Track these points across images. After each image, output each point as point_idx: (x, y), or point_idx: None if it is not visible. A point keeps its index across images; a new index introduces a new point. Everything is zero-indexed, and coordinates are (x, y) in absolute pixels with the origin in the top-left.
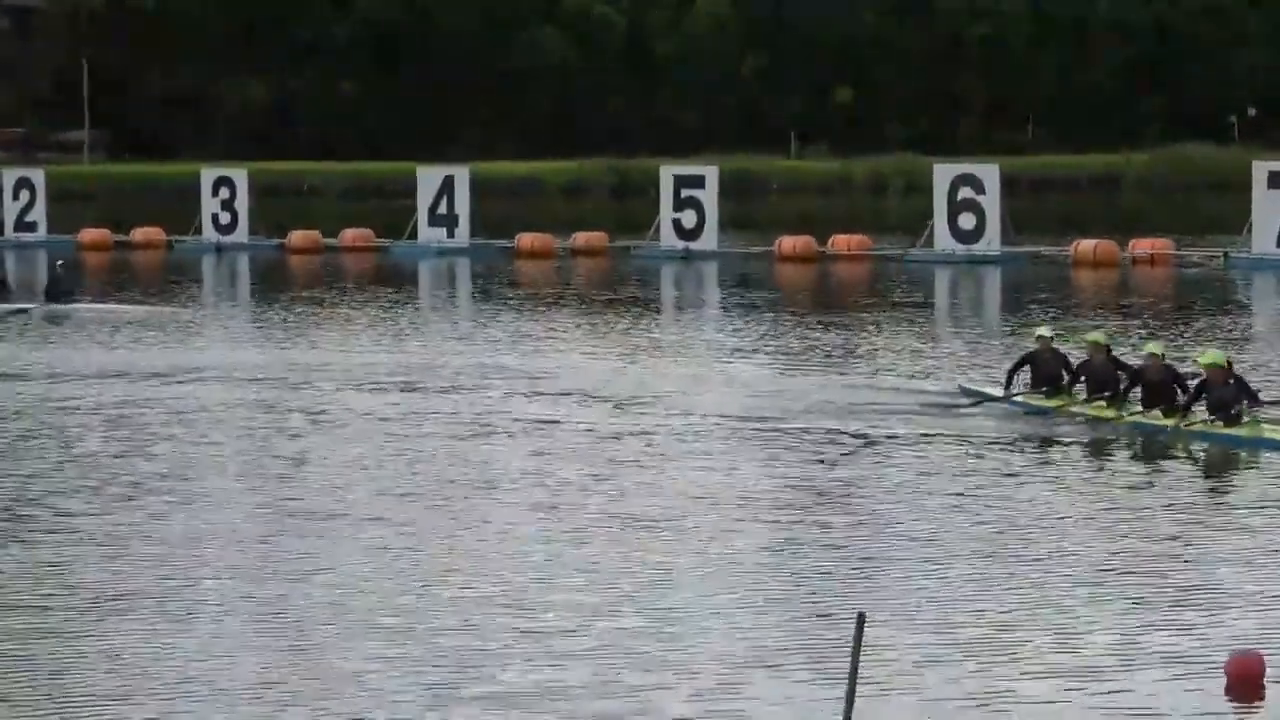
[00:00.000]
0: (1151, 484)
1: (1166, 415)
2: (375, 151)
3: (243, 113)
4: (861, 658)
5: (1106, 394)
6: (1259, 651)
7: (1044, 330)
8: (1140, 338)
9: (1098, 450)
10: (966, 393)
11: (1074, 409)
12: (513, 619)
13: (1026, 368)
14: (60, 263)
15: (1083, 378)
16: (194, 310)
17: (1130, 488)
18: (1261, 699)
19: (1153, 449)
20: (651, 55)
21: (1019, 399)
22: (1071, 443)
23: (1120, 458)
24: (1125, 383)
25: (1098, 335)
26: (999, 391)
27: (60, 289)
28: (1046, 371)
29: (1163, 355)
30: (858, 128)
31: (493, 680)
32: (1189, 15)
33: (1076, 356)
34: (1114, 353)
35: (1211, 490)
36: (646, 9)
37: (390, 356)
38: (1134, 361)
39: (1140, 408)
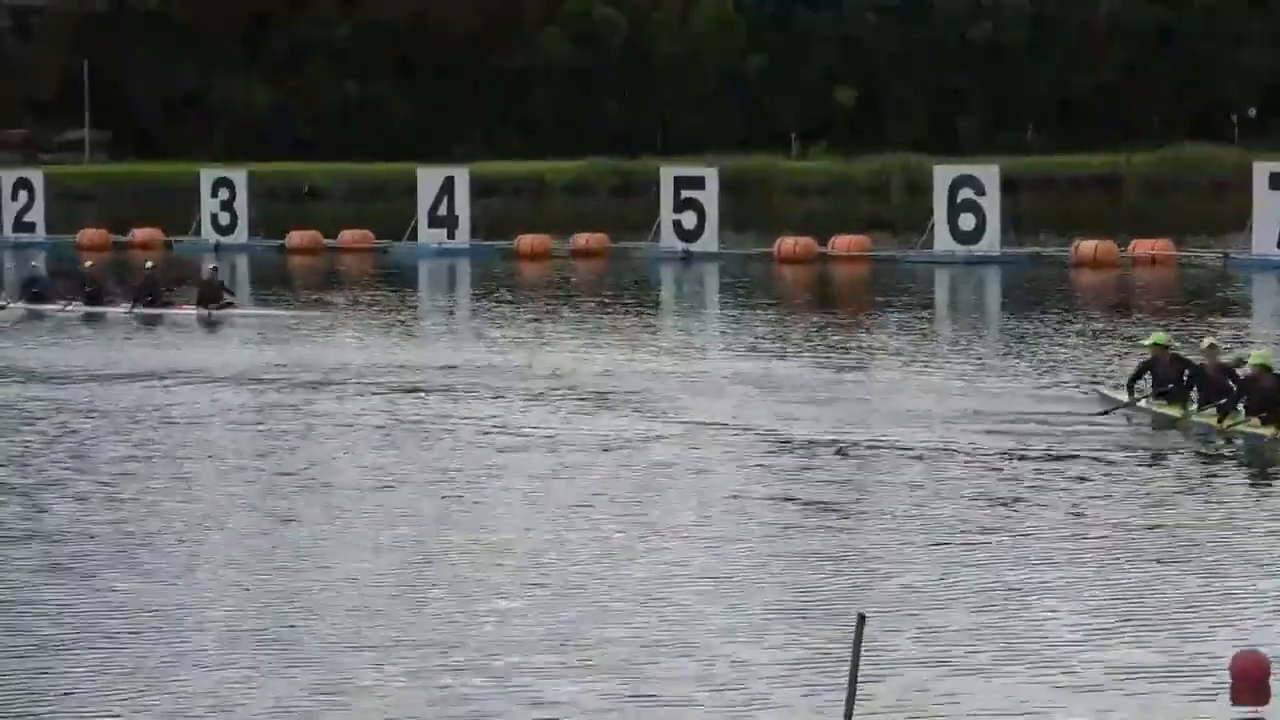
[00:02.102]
0: (1198, 492)
1: (1265, 424)
2: (377, 152)
3: (244, 113)
4: (862, 659)
5: (1221, 401)
6: (1263, 651)
7: (1160, 335)
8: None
9: (1165, 457)
10: (1104, 398)
11: (1193, 419)
12: (523, 629)
13: (1147, 374)
14: (213, 266)
15: (1196, 385)
16: (336, 314)
17: (1175, 494)
18: (1267, 698)
19: (1256, 458)
20: (654, 56)
21: (1141, 405)
22: (1147, 450)
23: (1196, 465)
24: (1235, 391)
25: (1211, 340)
26: (1127, 399)
27: (212, 294)
28: (1166, 377)
29: (1270, 366)
30: (860, 128)
31: (504, 692)
32: (1190, 15)
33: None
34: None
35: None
36: (649, 10)
37: (413, 358)
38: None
39: (1243, 414)
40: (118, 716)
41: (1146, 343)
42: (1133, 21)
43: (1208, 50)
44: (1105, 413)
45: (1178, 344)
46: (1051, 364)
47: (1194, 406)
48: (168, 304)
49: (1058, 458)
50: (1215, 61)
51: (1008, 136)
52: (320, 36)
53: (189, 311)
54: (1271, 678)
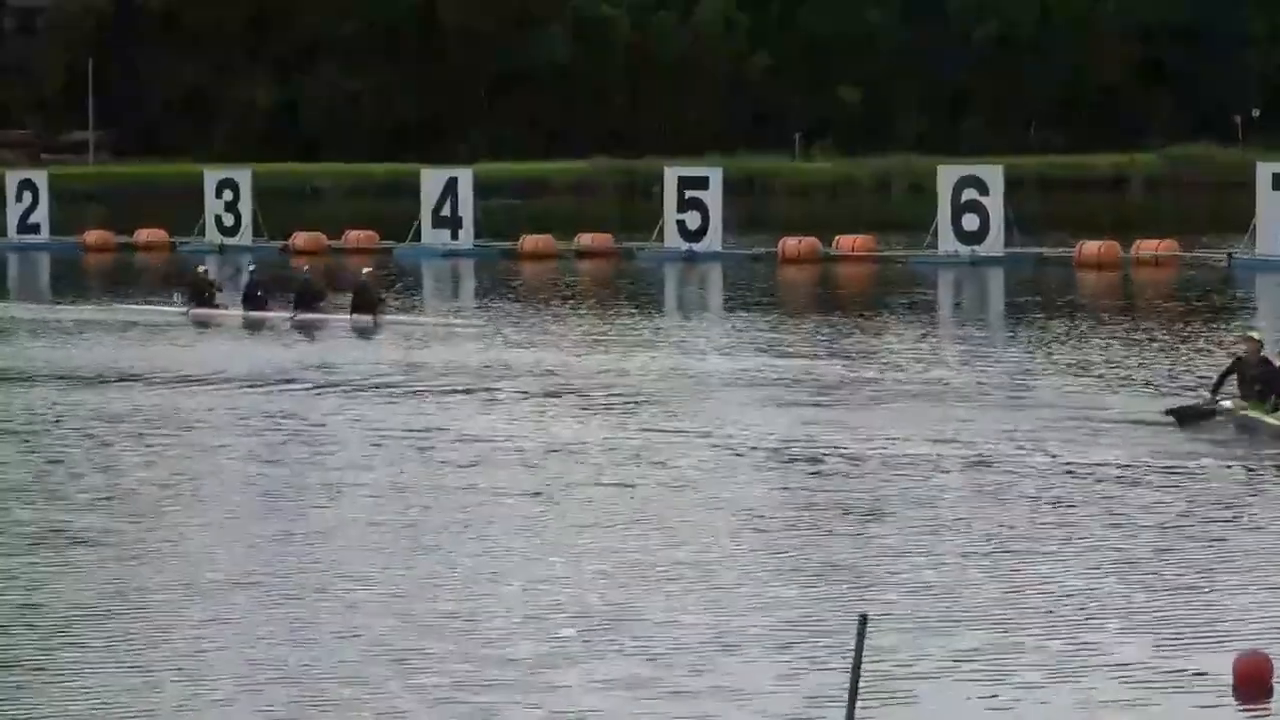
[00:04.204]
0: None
1: None
2: (382, 151)
3: (250, 112)
4: (864, 660)
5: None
6: (1265, 652)
7: (1254, 333)
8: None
9: (1237, 460)
10: (1206, 401)
11: (1251, 414)
12: (543, 637)
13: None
14: (367, 270)
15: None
16: (493, 323)
17: (1230, 497)
18: (1269, 699)
19: None
20: (657, 55)
21: (1226, 405)
22: (1220, 454)
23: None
24: None
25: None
26: (1225, 402)
27: (369, 301)
28: (1253, 379)
29: None
30: (864, 127)
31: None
32: (1196, 15)
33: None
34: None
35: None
36: (654, 9)
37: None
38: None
39: None
40: None
41: (1256, 337)
42: (1140, 21)
43: (1215, 50)
44: (1179, 412)
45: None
46: (1082, 366)
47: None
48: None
49: (1109, 463)
50: (1223, 61)
51: (1012, 136)
52: (324, 36)
53: (344, 318)
54: (1275, 678)
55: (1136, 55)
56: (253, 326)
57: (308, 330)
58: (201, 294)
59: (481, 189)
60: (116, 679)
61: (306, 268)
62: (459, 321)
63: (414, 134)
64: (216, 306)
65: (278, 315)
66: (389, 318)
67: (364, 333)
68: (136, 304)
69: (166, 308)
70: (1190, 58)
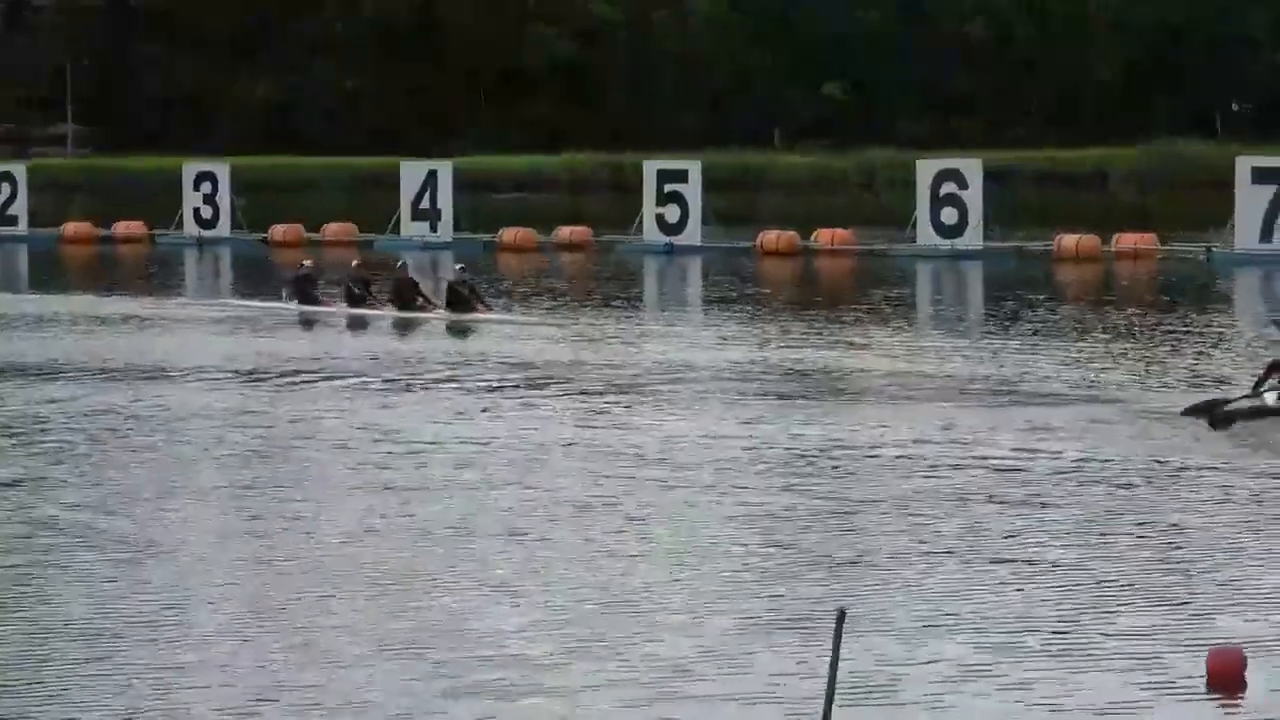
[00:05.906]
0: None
1: None
2: (381, 150)
3: (249, 111)
4: (841, 656)
5: None
6: (1239, 646)
7: None
8: None
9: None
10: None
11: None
12: (536, 642)
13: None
14: (460, 265)
15: None
16: (586, 323)
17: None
18: (1242, 693)
19: None
20: (652, 54)
21: (1271, 397)
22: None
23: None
24: None
25: None
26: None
27: (460, 299)
28: None
29: None
30: (859, 125)
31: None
32: (1195, 15)
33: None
34: None
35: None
36: (648, 8)
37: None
38: None
39: None
40: None
41: None
42: (1133, 19)
43: (1209, 51)
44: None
45: None
46: (1063, 360)
47: None
48: (422, 307)
49: (1107, 460)
50: (1216, 62)
51: (1008, 134)
52: (324, 35)
53: (438, 316)
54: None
55: (1133, 54)
56: (355, 324)
57: (405, 328)
58: (306, 290)
59: (479, 185)
60: (113, 680)
61: (401, 264)
62: (541, 320)
63: (414, 133)
64: (321, 303)
65: (378, 313)
66: (481, 316)
67: (462, 332)
68: (251, 301)
69: (275, 304)
70: (1188, 57)
